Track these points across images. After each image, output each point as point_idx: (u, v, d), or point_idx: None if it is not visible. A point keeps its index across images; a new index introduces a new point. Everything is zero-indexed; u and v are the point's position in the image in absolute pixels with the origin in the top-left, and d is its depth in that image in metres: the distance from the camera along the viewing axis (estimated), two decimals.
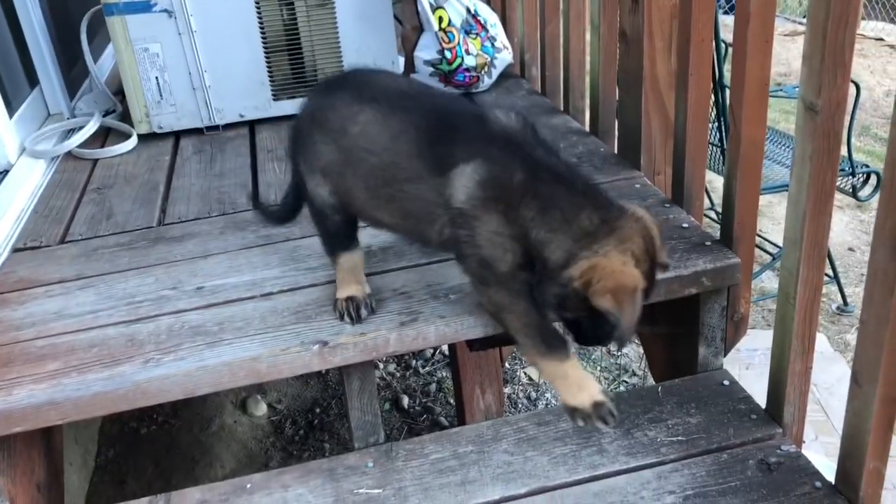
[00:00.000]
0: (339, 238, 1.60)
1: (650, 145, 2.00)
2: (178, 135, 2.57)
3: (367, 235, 1.83)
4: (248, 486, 1.55)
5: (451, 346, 2.71)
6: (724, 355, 1.77)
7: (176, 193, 2.19)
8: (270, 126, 2.60)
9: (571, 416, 1.44)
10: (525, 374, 3.20)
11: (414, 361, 3.29)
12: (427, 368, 3.26)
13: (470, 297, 1.57)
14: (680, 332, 1.77)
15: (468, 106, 1.58)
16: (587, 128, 2.36)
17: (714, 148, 3.34)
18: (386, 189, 1.44)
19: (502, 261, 1.36)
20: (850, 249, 4.08)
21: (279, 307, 1.62)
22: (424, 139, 1.39)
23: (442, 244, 1.44)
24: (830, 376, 2.96)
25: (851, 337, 3.37)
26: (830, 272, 3.54)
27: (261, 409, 2.98)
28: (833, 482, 1.45)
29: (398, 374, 3.23)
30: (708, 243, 1.69)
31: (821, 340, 3.18)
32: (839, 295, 3.54)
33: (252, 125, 2.61)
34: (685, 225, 1.77)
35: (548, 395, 3.07)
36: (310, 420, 2.97)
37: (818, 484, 1.45)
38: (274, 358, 1.49)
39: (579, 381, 1.43)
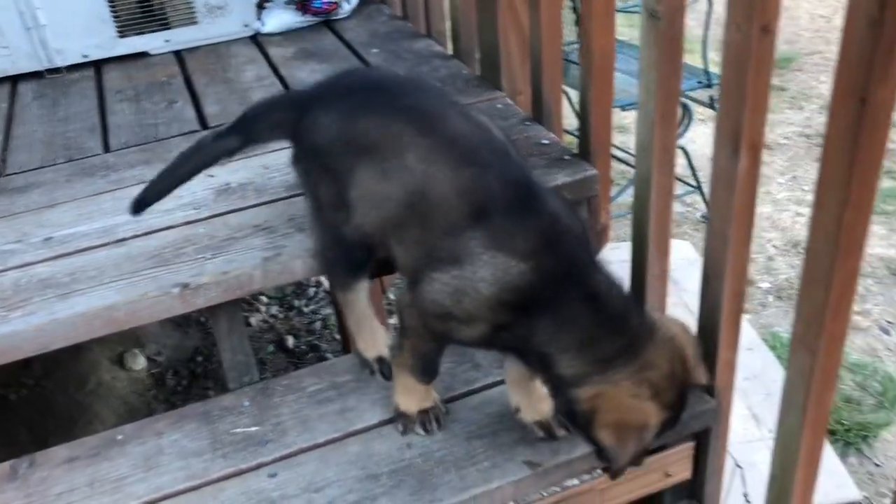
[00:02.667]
0: (353, 269, 1.46)
1: (510, 65, 2.00)
2: (14, 80, 2.38)
3: (225, 172, 1.77)
4: (120, 437, 1.50)
5: None
6: None
7: (16, 142, 2.04)
8: (119, 66, 2.45)
9: (396, 419, 1.45)
10: None
11: (297, 301, 3.25)
12: (311, 307, 3.23)
13: None
14: None
15: (539, 185, 1.30)
16: (450, 51, 2.34)
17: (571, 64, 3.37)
18: (414, 231, 1.26)
19: (467, 329, 1.24)
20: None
21: (134, 253, 1.55)
22: (487, 206, 1.20)
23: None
24: (696, 281, 3.11)
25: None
26: (695, 182, 3.70)
27: (139, 362, 2.89)
28: None
29: (281, 316, 3.19)
30: (567, 157, 1.72)
31: (687, 247, 3.34)
32: (703, 203, 3.72)
33: (98, 66, 2.45)
34: (545, 141, 1.79)
35: None
36: (192, 369, 2.90)
37: None
38: (132, 305, 1.43)
39: (417, 393, 1.43)
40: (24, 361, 2.65)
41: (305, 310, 3.20)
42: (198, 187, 1.73)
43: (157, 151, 1.90)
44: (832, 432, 2.41)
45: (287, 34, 2.54)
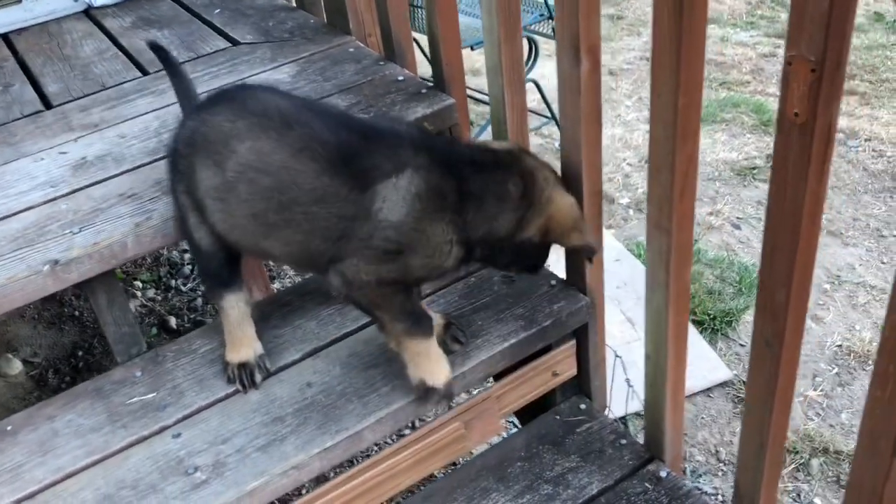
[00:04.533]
0: (221, 277, 1.46)
1: (356, 9, 2.01)
2: None
3: (79, 147, 1.72)
4: (9, 427, 1.45)
5: None
6: None
7: None
8: None
9: (424, 396, 1.40)
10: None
11: (173, 281, 3.18)
12: (189, 285, 3.17)
13: None
14: None
15: (371, 119, 1.47)
16: (293, 2, 2.33)
17: (418, 9, 3.41)
18: (282, 213, 1.28)
19: (447, 261, 1.30)
20: None
21: None
22: (335, 154, 1.26)
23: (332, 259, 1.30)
24: None
25: None
26: (549, 114, 3.84)
27: (14, 367, 2.75)
28: (564, 278, 1.64)
29: (159, 298, 3.11)
30: (424, 91, 1.77)
31: None
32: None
33: None
34: (401, 78, 1.83)
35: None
36: (74, 364, 2.80)
37: (553, 282, 1.63)
38: (2, 288, 1.38)
39: (438, 359, 1.41)
40: None
41: (184, 288, 3.13)
42: (52, 165, 1.67)
43: (0, 136, 1.82)
44: (699, 323, 2.61)
45: (122, 4, 2.45)
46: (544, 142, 3.94)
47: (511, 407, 1.64)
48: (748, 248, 3.04)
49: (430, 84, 1.79)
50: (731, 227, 3.18)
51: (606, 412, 1.76)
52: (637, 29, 5.27)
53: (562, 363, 1.66)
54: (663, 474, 1.56)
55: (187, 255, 3.17)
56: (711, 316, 2.62)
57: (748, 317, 2.65)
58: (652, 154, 1.27)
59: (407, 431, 1.58)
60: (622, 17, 5.45)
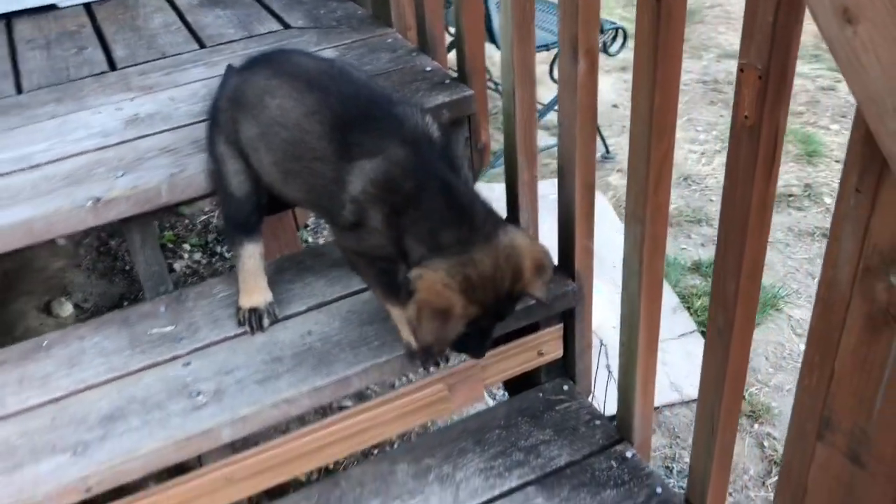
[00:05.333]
0: (246, 226, 1.61)
1: (398, 3, 2.17)
2: None
3: (133, 105, 1.91)
4: (45, 343, 1.64)
5: None
6: (474, 182, 2.03)
7: None
8: (29, 18, 2.53)
9: (410, 355, 1.53)
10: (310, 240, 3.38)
11: (219, 248, 3.38)
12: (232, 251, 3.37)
13: None
14: None
15: (389, 99, 1.49)
16: None
17: None
18: (294, 164, 1.45)
19: (374, 248, 1.40)
20: (615, 106, 4.53)
21: (49, 175, 1.69)
22: (337, 123, 1.39)
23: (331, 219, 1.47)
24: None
25: (612, 178, 3.81)
26: None
27: (66, 309, 2.99)
28: (556, 263, 1.76)
29: (204, 262, 3.32)
30: (447, 81, 1.91)
31: None
32: (602, 144, 3.96)
33: (9, 19, 2.53)
34: (428, 68, 1.98)
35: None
36: None
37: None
38: (48, 218, 1.57)
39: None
40: None
41: (227, 255, 3.34)
42: (107, 119, 1.87)
43: (68, 91, 2.03)
44: (702, 334, 2.68)
45: None
46: None
47: (495, 378, 1.76)
48: (770, 270, 3.08)
49: (454, 76, 1.93)
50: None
51: (590, 397, 1.86)
52: (699, 52, 5.32)
53: (548, 344, 1.78)
54: (629, 455, 1.66)
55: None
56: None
57: (756, 334, 2.70)
58: (630, 150, 1.39)
59: (397, 385, 1.72)
60: (686, 40, 5.49)
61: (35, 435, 1.44)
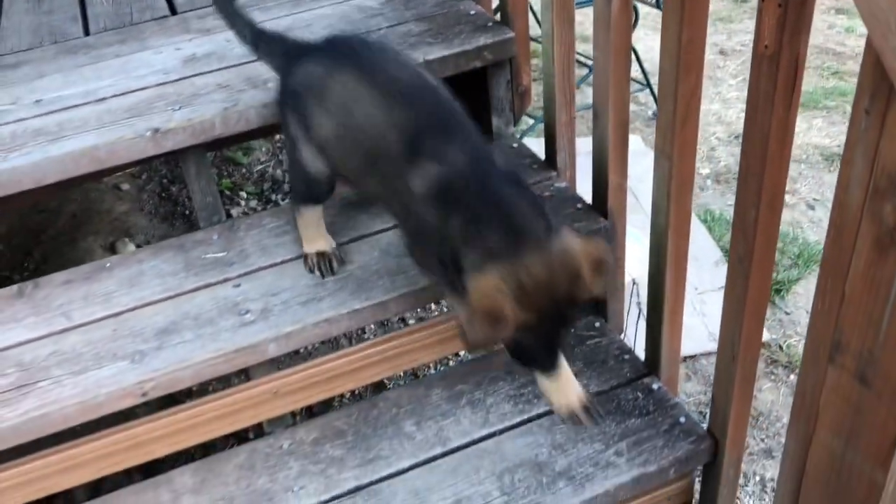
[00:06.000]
0: (317, 199, 1.68)
1: None
2: None
3: (192, 45, 2.01)
4: (108, 265, 1.77)
5: None
6: (515, 125, 2.08)
7: (6, 31, 2.27)
8: None
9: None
10: None
11: (274, 195, 3.51)
12: (287, 201, 3.50)
13: None
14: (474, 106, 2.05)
15: (457, 110, 1.50)
16: None
17: None
18: (367, 167, 1.51)
19: (436, 253, 1.43)
20: None
21: (113, 107, 1.81)
22: (414, 134, 1.42)
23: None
24: (640, 168, 3.37)
25: None
26: (644, 81, 3.93)
27: (129, 249, 3.16)
28: (591, 203, 1.81)
29: (259, 209, 3.46)
30: (489, 24, 1.96)
31: (636, 140, 3.59)
32: (654, 102, 3.95)
33: None
34: (472, 12, 2.03)
35: None
36: None
37: (579, 205, 1.81)
38: (111, 145, 1.69)
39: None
40: (26, 250, 2.95)
41: (281, 203, 3.46)
42: (168, 58, 1.98)
43: (131, 33, 2.14)
44: None
45: None
46: (639, 109, 4.03)
47: None
48: (818, 227, 3.07)
49: (497, 20, 1.97)
50: (806, 206, 3.21)
51: (621, 335, 1.92)
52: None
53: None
54: (655, 387, 1.71)
55: (287, 176, 3.47)
56: None
57: (799, 288, 2.72)
58: (660, 85, 1.43)
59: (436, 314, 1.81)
60: (746, 1, 5.39)
61: (98, 344, 1.57)
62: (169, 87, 1.86)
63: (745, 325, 1.42)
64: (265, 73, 1.83)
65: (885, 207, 1.01)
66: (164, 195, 3.45)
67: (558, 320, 1.35)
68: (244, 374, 1.63)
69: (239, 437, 1.78)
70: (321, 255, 1.70)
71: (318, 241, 1.71)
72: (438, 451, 1.60)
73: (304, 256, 1.72)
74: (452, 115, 1.48)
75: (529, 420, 1.65)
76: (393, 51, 1.70)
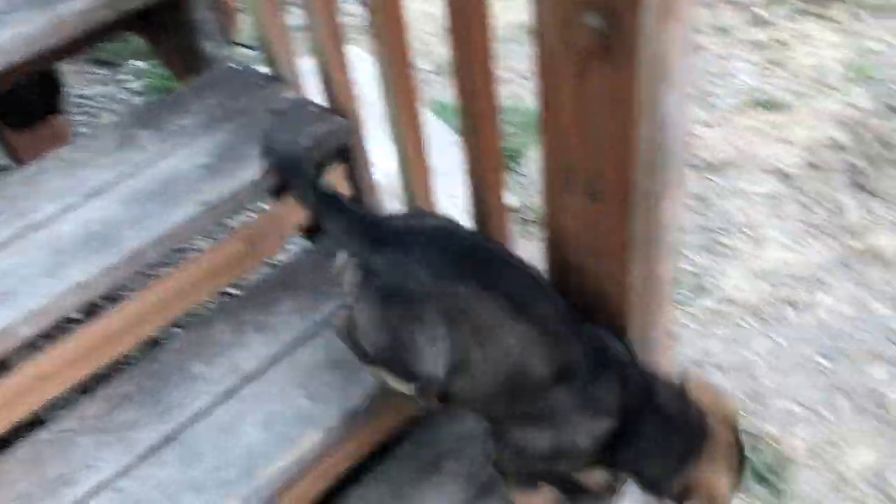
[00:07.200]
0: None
1: None
2: None
3: None
4: None
5: None
6: (231, 45, 2.02)
7: None
8: None
9: None
10: None
11: None
12: None
13: None
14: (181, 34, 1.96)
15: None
16: None
17: None
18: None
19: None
20: None
21: None
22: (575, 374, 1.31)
23: None
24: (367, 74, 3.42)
25: None
26: None
27: None
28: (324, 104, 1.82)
29: None
30: None
31: (355, 50, 3.60)
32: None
33: None
34: None
35: None
36: None
37: (313, 108, 1.81)
38: None
39: None
40: None
41: None
42: None
43: None
44: None
45: None
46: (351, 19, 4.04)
47: (291, 228, 1.82)
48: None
49: None
50: (522, 78, 3.43)
51: None
52: None
53: (336, 186, 1.85)
54: None
55: None
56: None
57: (531, 153, 2.93)
58: None
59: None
60: None
61: None
62: None
63: (488, 193, 1.53)
64: None
65: (575, 33, 1.10)
66: None
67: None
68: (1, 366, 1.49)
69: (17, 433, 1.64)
70: None
71: None
72: (235, 381, 1.58)
73: None
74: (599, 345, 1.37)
75: (319, 326, 1.66)
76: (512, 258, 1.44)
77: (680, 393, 1.35)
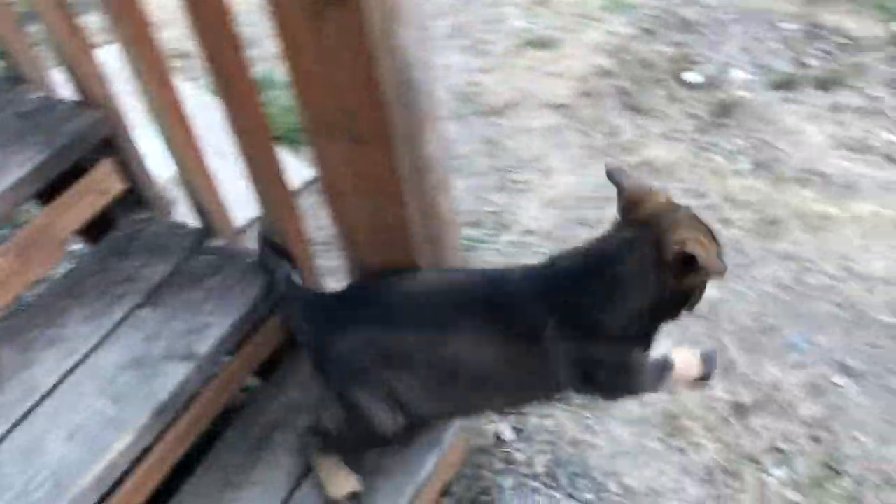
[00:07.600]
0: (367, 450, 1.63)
1: None
2: None
3: None
4: None
5: None
6: None
7: None
8: None
9: None
10: None
11: None
12: None
13: None
14: None
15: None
16: None
17: None
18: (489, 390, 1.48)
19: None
20: None
21: None
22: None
23: None
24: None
25: None
26: None
27: None
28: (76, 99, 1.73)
29: None
30: None
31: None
32: None
33: None
34: None
35: None
36: None
37: (63, 105, 1.71)
38: None
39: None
40: None
41: None
42: None
43: None
44: (281, 138, 2.83)
45: None
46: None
47: (67, 232, 1.72)
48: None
49: None
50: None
51: (171, 217, 1.91)
52: None
53: (107, 180, 1.77)
54: (221, 244, 1.76)
55: None
56: (289, 129, 2.85)
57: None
58: None
59: None
60: None
61: None
62: None
63: (262, 171, 1.52)
64: None
65: None
66: None
67: None
68: None
69: None
70: (354, 496, 1.58)
71: (344, 481, 1.58)
72: (32, 401, 1.49)
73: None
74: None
75: (114, 328, 1.60)
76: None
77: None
